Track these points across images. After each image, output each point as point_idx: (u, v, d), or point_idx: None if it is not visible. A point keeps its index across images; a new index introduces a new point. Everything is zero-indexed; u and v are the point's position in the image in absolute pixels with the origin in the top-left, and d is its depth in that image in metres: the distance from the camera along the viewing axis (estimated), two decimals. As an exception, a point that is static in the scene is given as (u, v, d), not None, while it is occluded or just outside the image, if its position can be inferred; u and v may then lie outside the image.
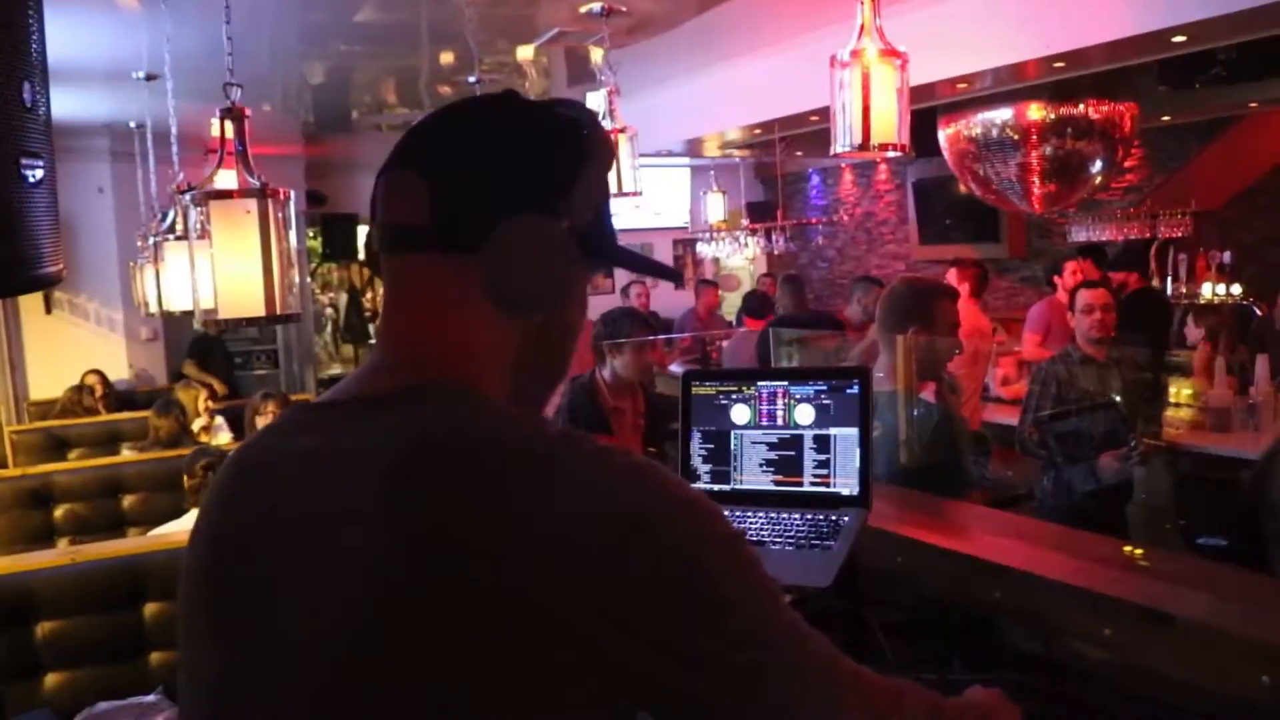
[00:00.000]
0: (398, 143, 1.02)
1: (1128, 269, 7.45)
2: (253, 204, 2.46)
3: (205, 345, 8.86)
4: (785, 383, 1.81)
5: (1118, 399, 4.30)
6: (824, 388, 1.78)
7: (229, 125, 2.59)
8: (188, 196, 2.61)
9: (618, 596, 0.81)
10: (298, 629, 0.86)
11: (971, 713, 1.13)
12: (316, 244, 11.16)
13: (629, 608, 0.81)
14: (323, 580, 0.86)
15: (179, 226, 3.92)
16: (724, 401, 1.85)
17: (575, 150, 1.00)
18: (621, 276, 11.24)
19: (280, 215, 2.49)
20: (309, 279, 9.56)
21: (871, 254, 12.03)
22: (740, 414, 1.83)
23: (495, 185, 0.96)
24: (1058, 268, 6.97)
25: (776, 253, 9.02)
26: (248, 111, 2.60)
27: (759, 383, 1.83)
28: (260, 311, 2.50)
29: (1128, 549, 2.00)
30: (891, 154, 2.92)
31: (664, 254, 12.69)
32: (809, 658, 0.91)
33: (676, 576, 0.83)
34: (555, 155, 0.99)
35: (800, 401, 1.80)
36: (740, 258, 9.27)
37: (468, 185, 0.96)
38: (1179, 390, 5.40)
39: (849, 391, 1.76)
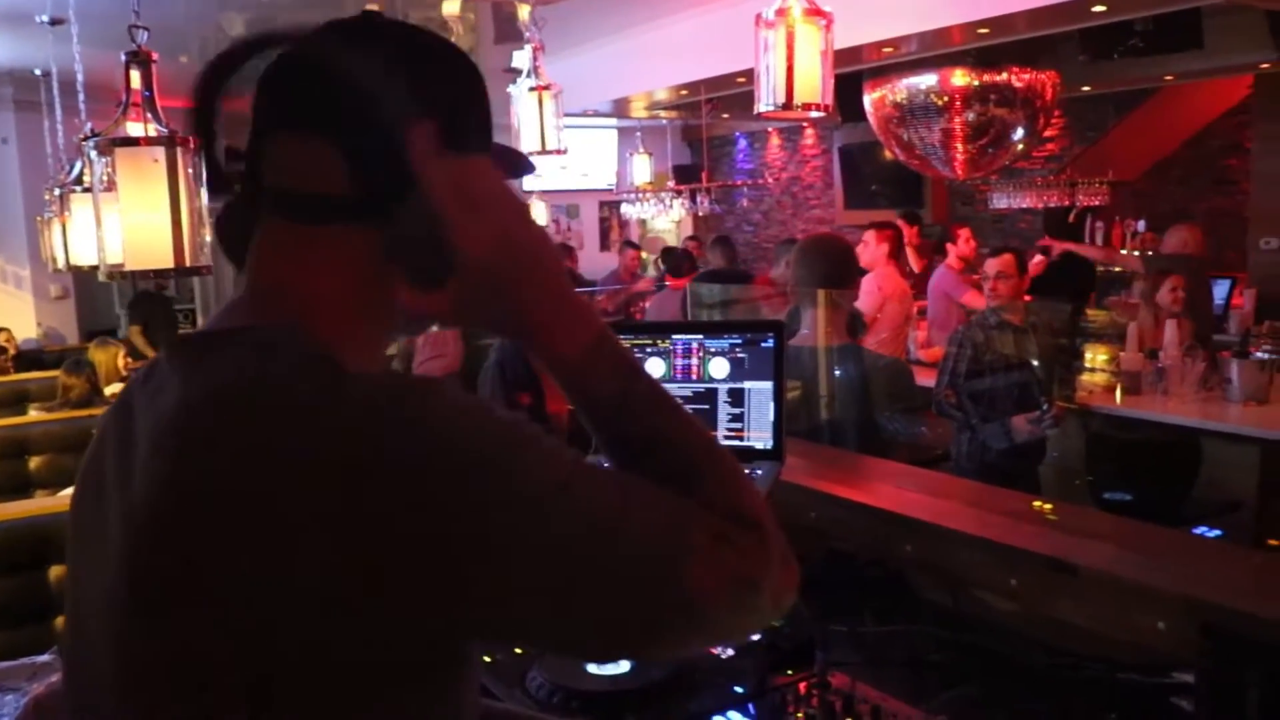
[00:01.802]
0: (268, 93, 0.91)
1: (1055, 236, 7.64)
2: (160, 152, 2.38)
3: (148, 307, 8.54)
4: (700, 336, 1.81)
5: (1035, 363, 4.39)
6: (739, 341, 1.78)
7: (135, 70, 2.51)
8: (91, 143, 2.51)
9: (374, 551, 0.74)
10: (98, 586, 0.84)
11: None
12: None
13: (388, 561, 0.74)
14: (110, 532, 0.84)
15: (87, 177, 3.79)
16: (639, 355, 1.84)
17: (470, 79, 0.95)
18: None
19: (190, 164, 2.41)
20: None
21: (797, 218, 12.11)
22: (655, 368, 1.82)
23: (413, 139, 0.88)
24: (948, 234, 7.10)
25: (701, 214, 9.03)
26: (155, 56, 2.51)
27: (673, 336, 1.82)
28: (169, 263, 2.42)
29: (1036, 504, 2.04)
30: (815, 114, 2.92)
31: (590, 215, 12.67)
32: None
33: (448, 517, 0.75)
34: (461, 91, 0.94)
35: (715, 355, 1.79)
36: (666, 220, 9.27)
37: (386, 144, 0.87)
38: (1095, 355, 5.53)
39: (763, 345, 1.76)
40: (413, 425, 0.77)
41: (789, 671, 1.53)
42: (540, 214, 9.88)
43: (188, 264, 2.43)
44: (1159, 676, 1.45)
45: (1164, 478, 4.30)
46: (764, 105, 2.85)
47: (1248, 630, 1.34)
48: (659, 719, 1.36)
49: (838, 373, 3.12)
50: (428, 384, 0.82)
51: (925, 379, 4.73)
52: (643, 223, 11.39)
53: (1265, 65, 6.79)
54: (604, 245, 12.58)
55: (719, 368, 1.79)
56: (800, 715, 1.41)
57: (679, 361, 1.82)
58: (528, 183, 11.25)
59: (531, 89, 3.98)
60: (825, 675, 1.51)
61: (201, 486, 0.78)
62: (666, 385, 1.87)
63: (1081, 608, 1.62)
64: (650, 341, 1.84)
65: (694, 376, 1.81)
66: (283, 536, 0.74)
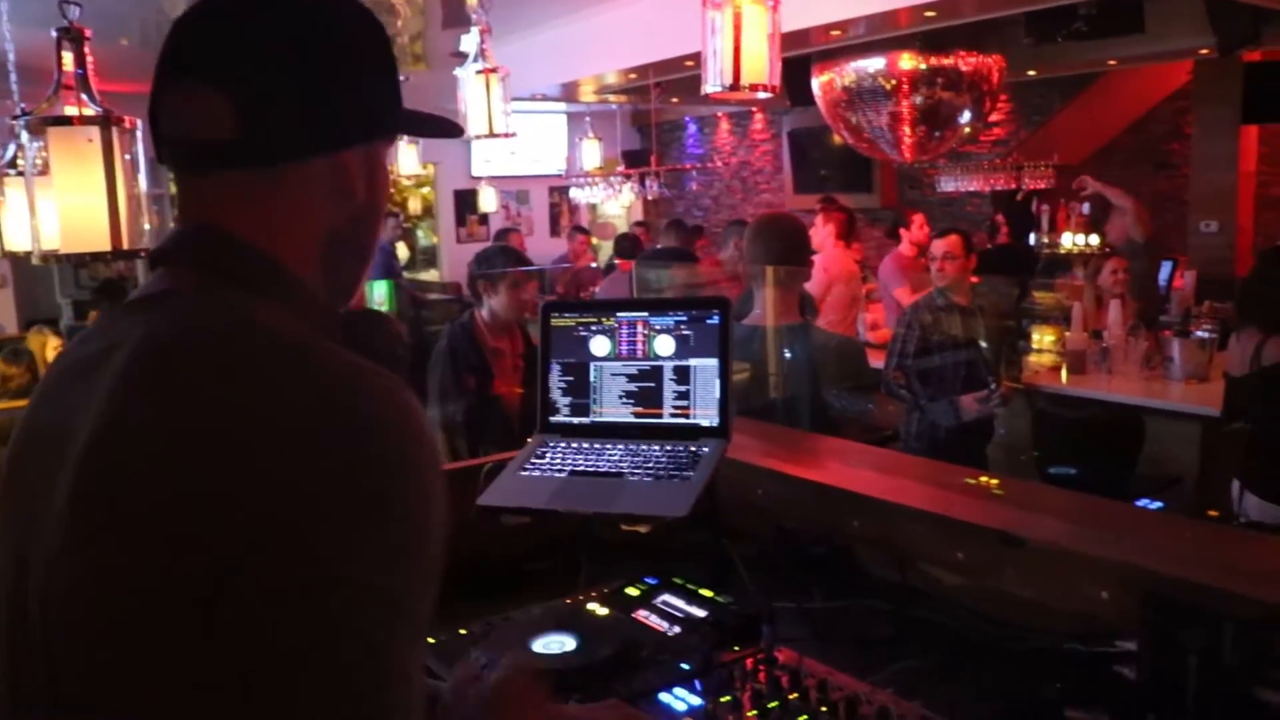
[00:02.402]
0: (175, 43, 0.92)
1: (1007, 217, 7.73)
2: (95, 132, 2.32)
3: (113, 294, 8.36)
4: (645, 313, 1.79)
5: (982, 343, 4.43)
6: (684, 318, 1.77)
7: (67, 48, 2.44)
8: (22, 122, 2.44)
9: (269, 520, 0.73)
10: (33, 554, 0.81)
11: None
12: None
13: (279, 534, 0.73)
14: (48, 501, 0.81)
15: (21, 161, 3.69)
16: (584, 333, 1.83)
17: (381, 52, 0.97)
18: (495, 222, 11.17)
19: (127, 145, 2.36)
20: (172, 223, 9.19)
21: (747, 202, 12.14)
22: (600, 345, 1.81)
23: (310, 94, 0.90)
24: (901, 219, 7.14)
25: (651, 198, 9.01)
26: (88, 33, 2.44)
27: (618, 313, 1.81)
28: (105, 246, 2.36)
29: (983, 478, 2.05)
30: (762, 95, 2.92)
31: (540, 200, 12.64)
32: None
33: (352, 505, 0.75)
34: (366, 59, 0.96)
35: (660, 332, 1.78)
36: (616, 204, 9.23)
37: (284, 97, 0.89)
38: (1041, 336, 5.62)
39: (709, 322, 1.75)
40: (361, 439, 0.77)
41: (736, 648, 1.52)
42: (490, 200, 9.83)
43: (125, 247, 2.37)
44: (1103, 645, 1.46)
45: (1108, 454, 4.37)
46: (711, 86, 2.84)
47: (1188, 598, 1.35)
48: (606, 696, 1.36)
49: (789, 352, 3.12)
50: (398, 402, 0.81)
51: (876, 361, 4.76)
52: (593, 208, 11.36)
53: (1204, 51, 6.89)
54: (554, 230, 12.54)
55: (664, 345, 1.78)
56: (747, 690, 1.41)
57: (624, 338, 1.81)
58: (479, 168, 11.18)
59: (479, 72, 3.94)
60: (772, 651, 1.51)
61: (148, 460, 0.76)
62: (611, 363, 1.87)
63: (1028, 580, 1.63)
64: (595, 319, 1.82)
65: (639, 354, 1.80)
66: (229, 509, 0.73)
